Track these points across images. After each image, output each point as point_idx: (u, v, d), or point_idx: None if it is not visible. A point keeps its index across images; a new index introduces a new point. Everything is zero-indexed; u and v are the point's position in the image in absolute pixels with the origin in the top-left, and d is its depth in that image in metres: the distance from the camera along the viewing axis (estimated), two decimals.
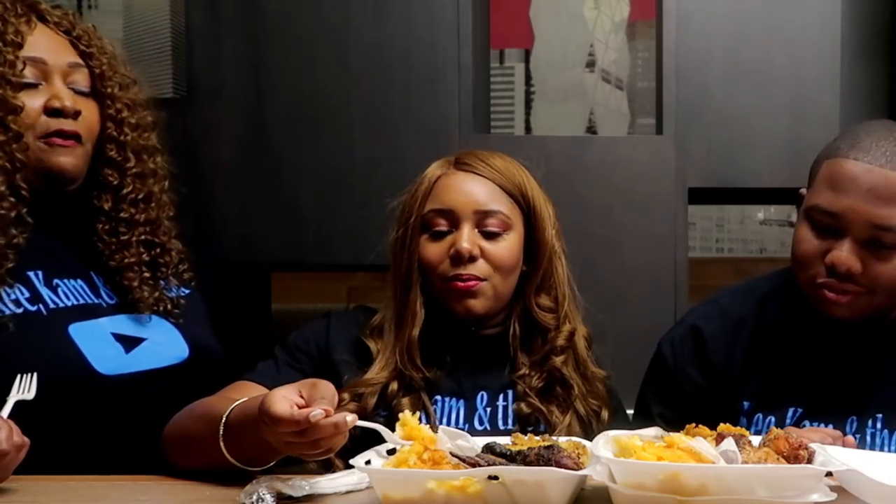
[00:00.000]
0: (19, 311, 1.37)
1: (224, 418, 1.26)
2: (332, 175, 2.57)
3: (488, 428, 1.49)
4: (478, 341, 1.55)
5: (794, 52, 2.54)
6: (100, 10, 2.73)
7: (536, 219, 1.56)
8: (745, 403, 1.52)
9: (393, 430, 1.32)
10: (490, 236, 1.51)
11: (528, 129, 2.77)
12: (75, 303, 1.45)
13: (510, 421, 1.50)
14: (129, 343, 1.47)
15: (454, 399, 1.52)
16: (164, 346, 1.50)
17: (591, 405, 1.52)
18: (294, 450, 1.17)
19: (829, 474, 1.06)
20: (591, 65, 2.74)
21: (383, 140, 2.57)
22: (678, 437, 1.07)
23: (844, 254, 1.39)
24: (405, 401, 1.46)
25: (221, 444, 1.25)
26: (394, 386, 1.48)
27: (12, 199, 1.39)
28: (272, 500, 1.10)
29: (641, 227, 2.53)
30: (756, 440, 1.12)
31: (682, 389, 1.57)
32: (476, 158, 1.56)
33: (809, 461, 1.07)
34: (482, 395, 1.52)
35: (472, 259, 1.49)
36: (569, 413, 1.49)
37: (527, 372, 1.53)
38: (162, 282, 1.56)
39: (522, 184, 1.56)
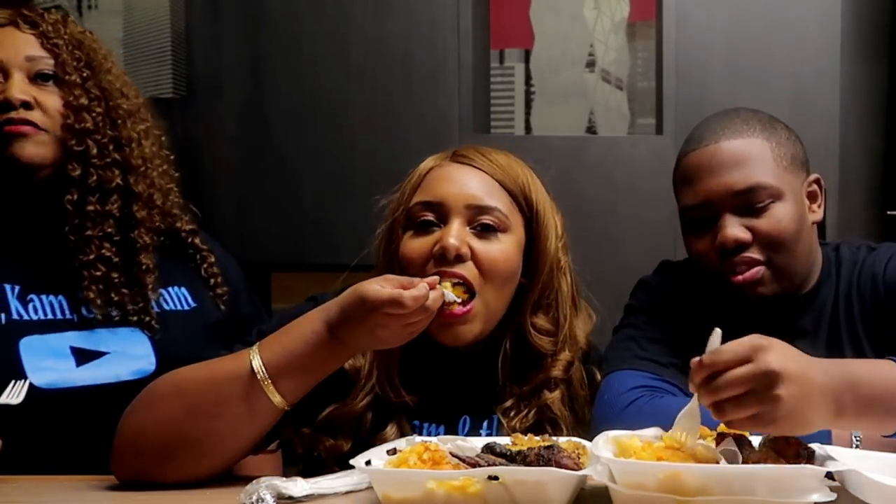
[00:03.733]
0: None
1: (259, 362, 1.17)
2: (332, 175, 2.58)
3: None
4: (463, 358, 1.37)
5: (794, 52, 2.54)
6: (100, 10, 2.73)
7: (539, 224, 1.37)
8: None
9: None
10: (483, 235, 1.31)
11: (528, 129, 2.76)
12: (41, 318, 1.44)
13: None
14: (85, 357, 1.45)
15: (433, 426, 1.36)
16: (127, 359, 1.47)
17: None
18: (387, 332, 1.16)
19: (829, 475, 1.06)
20: (591, 65, 2.74)
21: (383, 140, 2.57)
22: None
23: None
24: (390, 430, 1.33)
25: (269, 383, 1.16)
26: (368, 416, 1.34)
27: None
28: (272, 500, 1.10)
29: (642, 226, 2.53)
30: (756, 440, 1.12)
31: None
32: (475, 151, 1.38)
33: (809, 461, 1.07)
34: (465, 420, 1.37)
35: (460, 259, 1.28)
36: None
37: (513, 405, 1.35)
38: (163, 291, 1.54)
39: (525, 184, 1.37)
